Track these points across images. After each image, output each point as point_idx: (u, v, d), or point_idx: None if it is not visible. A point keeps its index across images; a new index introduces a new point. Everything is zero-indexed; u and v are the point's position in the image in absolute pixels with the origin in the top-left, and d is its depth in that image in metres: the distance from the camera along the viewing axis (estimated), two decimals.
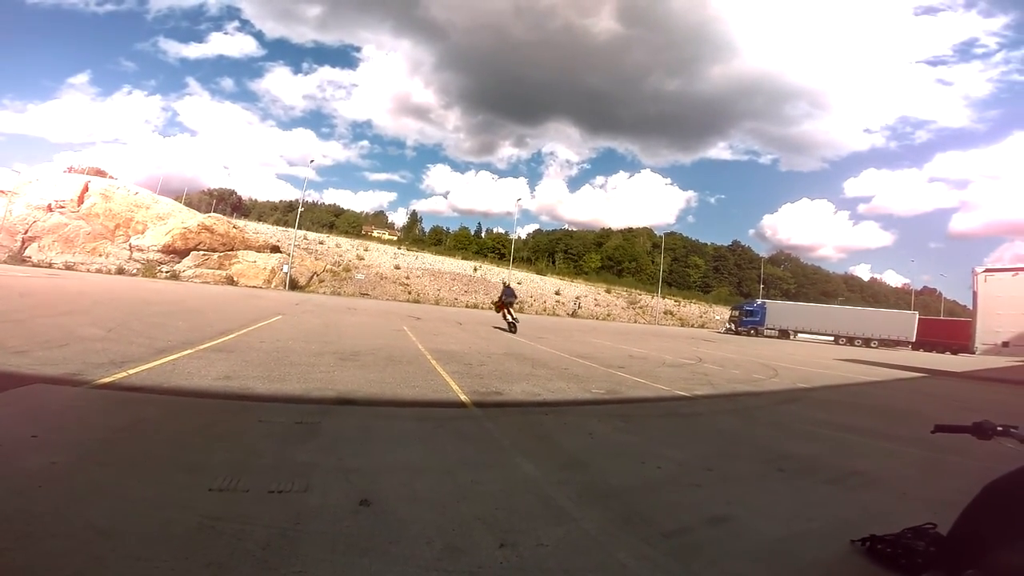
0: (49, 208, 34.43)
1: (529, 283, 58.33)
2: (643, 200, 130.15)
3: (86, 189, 36.58)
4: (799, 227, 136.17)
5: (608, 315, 54.19)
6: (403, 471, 3.16)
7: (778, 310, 47.61)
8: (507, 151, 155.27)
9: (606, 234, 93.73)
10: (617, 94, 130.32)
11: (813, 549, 2.59)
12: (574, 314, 50.46)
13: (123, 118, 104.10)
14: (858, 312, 45.58)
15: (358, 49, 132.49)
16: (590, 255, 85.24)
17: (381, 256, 54.67)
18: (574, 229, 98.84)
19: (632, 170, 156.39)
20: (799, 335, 44.52)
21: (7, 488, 2.28)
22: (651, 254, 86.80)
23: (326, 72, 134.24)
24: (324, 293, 38.78)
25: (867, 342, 40.10)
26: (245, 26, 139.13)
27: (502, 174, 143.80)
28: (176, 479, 2.66)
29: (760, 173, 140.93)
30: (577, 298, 55.96)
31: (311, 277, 42.65)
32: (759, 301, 50.39)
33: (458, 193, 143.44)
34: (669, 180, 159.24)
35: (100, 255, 34.04)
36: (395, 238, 78.75)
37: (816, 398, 8.76)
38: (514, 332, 16.79)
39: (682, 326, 55.09)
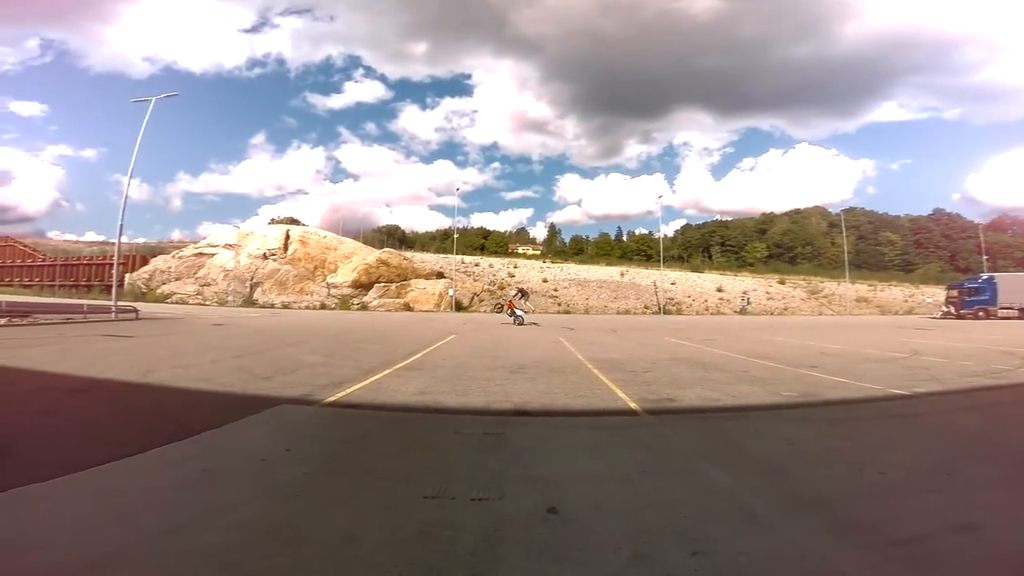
0: (264, 256, 43.04)
1: (684, 283, 54.82)
2: (806, 177, 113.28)
3: (288, 237, 44.95)
4: (1018, 184, 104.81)
5: (785, 309, 48.18)
6: (584, 480, 3.19)
7: (1015, 284, 36.93)
8: (634, 149, 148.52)
9: (768, 219, 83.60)
10: (740, 71, 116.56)
11: None
12: (743, 311, 45.88)
13: (299, 170, 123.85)
14: None
15: (468, 76, 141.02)
16: (753, 244, 76.73)
17: (529, 271, 56.58)
18: (728, 219, 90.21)
19: (784, 146, 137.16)
20: None
21: (275, 497, 2.77)
22: (828, 235, 74.97)
23: (448, 103, 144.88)
24: (484, 311, 41.45)
25: None
26: (369, 72, 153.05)
27: (634, 174, 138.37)
28: (397, 488, 2.98)
29: (948, 130, 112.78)
30: (744, 293, 50.79)
31: (472, 297, 46.03)
32: (985, 275, 39.80)
33: (591, 200, 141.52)
34: (835, 151, 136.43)
35: (306, 294, 41.30)
36: (538, 252, 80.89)
37: None
38: (520, 324, 20.15)
39: (881, 314, 46.43)
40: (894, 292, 56.03)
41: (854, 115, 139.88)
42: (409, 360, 8.99)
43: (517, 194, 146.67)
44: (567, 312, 43.17)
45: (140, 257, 49.31)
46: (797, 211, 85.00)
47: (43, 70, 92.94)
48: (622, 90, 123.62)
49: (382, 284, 42.46)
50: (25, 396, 5.29)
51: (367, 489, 2.94)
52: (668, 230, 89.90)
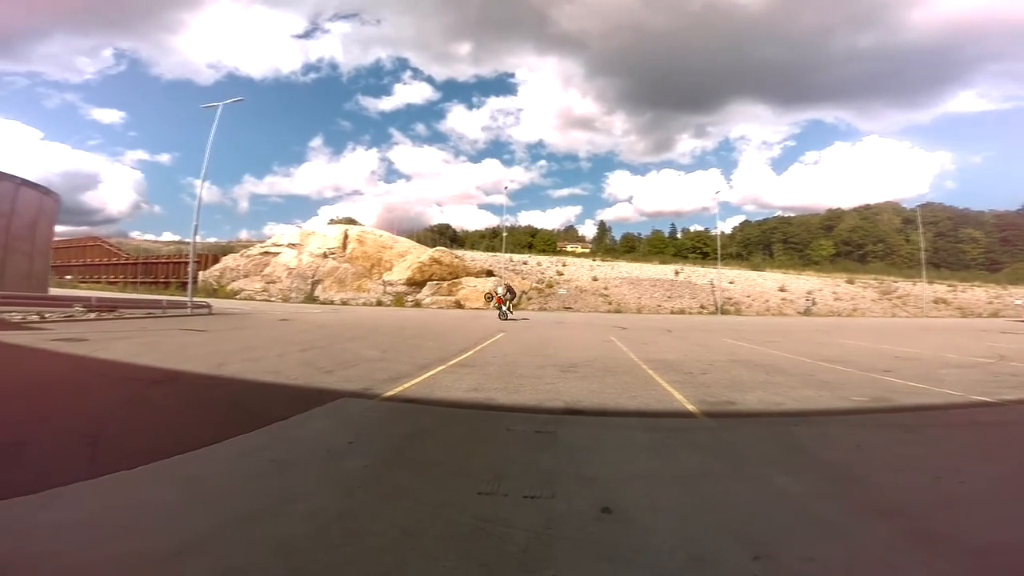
0: (324, 255, 45.09)
1: (744, 281, 52.45)
2: (876, 171, 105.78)
3: (346, 236, 46.85)
4: None
5: (854, 310, 45.15)
6: (640, 480, 3.15)
7: None
8: (687, 144, 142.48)
9: (835, 215, 78.42)
10: (799, 61, 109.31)
11: None
12: (807, 312, 43.43)
13: (354, 171, 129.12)
14: None
15: (512, 75, 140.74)
16: (818, 241, 72.25)
17: (578, 270, 56.02)
18: (791, 215, 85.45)
19: (850, 139, 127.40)
20: None
21: (340, 489, 2.87)
22: (902, 232, 69.46)
23: (493, 102, 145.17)
24: (532, 309, 41.47)
25: None
26: (417, 74, 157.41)
27: (687, 169, 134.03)
28: (453, 483, 3.01)
29: None
30: (809, 293, 48.03)
31: (520, 295, 46.17)
32: None
33: (642, 196, 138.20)
34: (909, 143, 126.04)
35: (363, 291, 42.87)
36: (587, 250, 79.86)
37: None
38: (504, 319, 21.56)
39: (962, 317, 42.66)
40: (977, 293, 51.24)
41: (928, 106, 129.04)
42: (461, 357, 9.13)
43: (565, 192, 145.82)
44: (618, 311, 42.45)
45: (212, 256, 52.87)
46: (867, 207, 79.36)
47: (119, 79, 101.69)
48: (672, 84, 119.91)
49: (434, 282, 43.41)
50: (114, 386, 5.79)
51: (423, 483, 2.99)
52: (726, 227, 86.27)
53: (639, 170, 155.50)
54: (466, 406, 5.32)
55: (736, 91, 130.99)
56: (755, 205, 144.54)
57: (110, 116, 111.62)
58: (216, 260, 51.31)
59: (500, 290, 25.73)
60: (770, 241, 77.54)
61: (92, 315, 15.75)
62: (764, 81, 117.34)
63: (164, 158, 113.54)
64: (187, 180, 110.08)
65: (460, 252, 56.47)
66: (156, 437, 3.79)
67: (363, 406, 5.11)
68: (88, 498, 2.50)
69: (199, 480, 2.85)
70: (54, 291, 23.08)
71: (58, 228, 24.17)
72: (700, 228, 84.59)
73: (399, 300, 41.27)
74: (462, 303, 42.14)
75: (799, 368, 8.74)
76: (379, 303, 40.62)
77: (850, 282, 53.25)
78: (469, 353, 9.81)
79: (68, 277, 52.63)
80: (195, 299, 22.28)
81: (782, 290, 49.52)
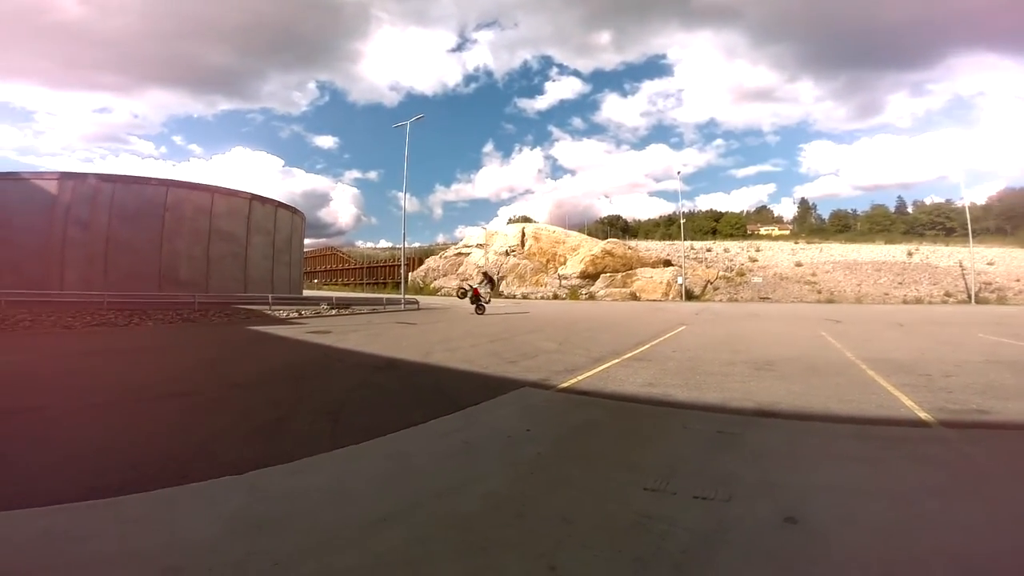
0: (506, 253, 48.48)
1: (1009, 262, 39.99)
2: None
3: (523, 234, 49.56)
4: None
5: None
6: (839, 491, 2.74)
7: None
8: (904, 106, 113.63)
9: None
10: None
11: None
12: None
13: (524, 171, 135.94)
14: None
15: (663, 56, 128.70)
16: None
17: (776, 254, 49.50)
18: None
19: None
20: None
21: (515, 473, 3.07)
22: None
23: (648, 86, 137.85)
24: (720, 301, 38.14)
25: None
26: (563, 69, 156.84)
27: (910, 132, 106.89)
28: (619, 476, 2.99)
29: None
30: None
31: (705, 286, 42.87)
32: None
33: (853, 168, 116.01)
34: None
35: (540, 285, 44.88)
36: (786, 232, 69.73)
37: None
38: (480, 313, 18.43)
39: None
40: None
41: None
42: (637, 351, 8.91)
43: (751, 170, 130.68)
44: (830, 301, 36.35)
45: (417, 259, 61.47)
46: None
47: (326, 108, 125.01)
48: (867, 40, 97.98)
49: (608, 274, 43.16)
50: (349, 371, 7.15)
51: (590, 474, 3.03)
52: (978, 196, 66.68)
53: (844, 138, 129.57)
54: (640, 401, 5.19)
55: (954, 42, 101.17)
56: (1018, 170, 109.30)
57: (327, 142, 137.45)
58: (420, 262, 59.51)
59: (476, 279, 23.36)
60: None
61: (333, 312, 19.75)
62: (993, 25, 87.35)
63: (373, 175, 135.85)
64: (392, 193, 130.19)
65: (633, 243, 54.98)
66: (378, 416, 4.55)
67: (541, 396, 5.38)
68: (328, 467, 3.13)
69: (407, 456, 3.36)
70: (307, 293, 29.68)
71: (305, 241, 30.85)
72: (938, 199, 66.74)
73: (574, 293, 42.08)
74: (638, 295, 40.97)
75: None
76: (555, 296, 42.06)
77: None
78: (646, 347, 9.51)
79: (315, 281, 67.62)
80: (407, 296, 26.17)
81: None
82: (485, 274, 23.85)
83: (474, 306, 19.41)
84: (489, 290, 20.95)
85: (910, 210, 69.90)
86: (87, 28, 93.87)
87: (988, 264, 40.24)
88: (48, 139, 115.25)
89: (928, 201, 68.45)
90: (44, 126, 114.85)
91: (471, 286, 20.75)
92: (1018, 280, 37.29)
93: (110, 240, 18.92)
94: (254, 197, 23.67)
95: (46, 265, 18.00)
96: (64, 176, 19.18)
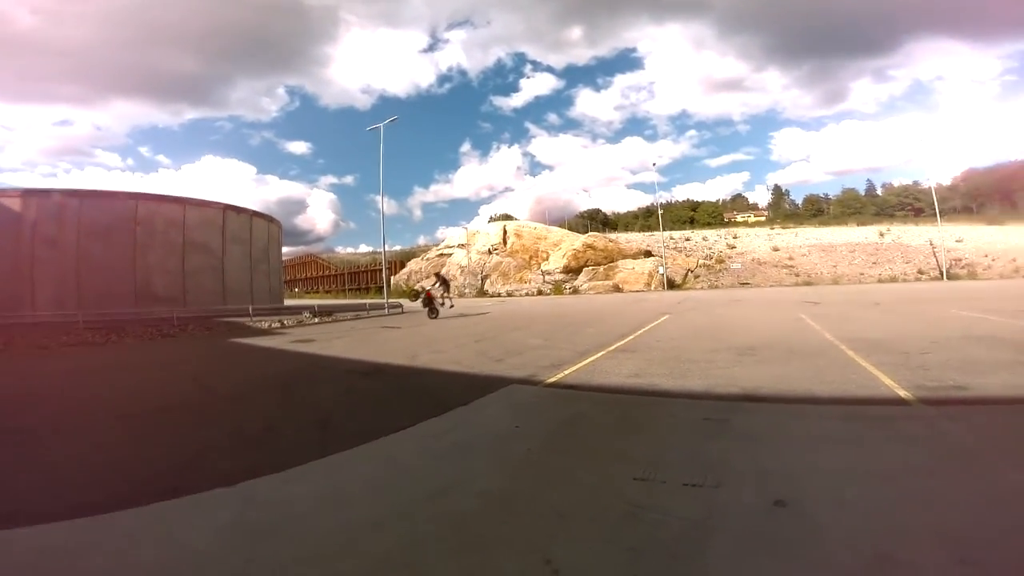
0: (489, 252, 48.50)
1: (977, 239, 41.43)
2: None
3: (505, 232, 49.64)
4: None
5: None
6: (826, 474, 2.80)
7: None
8: (868, 92, 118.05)
9: None
10: None
11: None
12: None
13: (502, 169, 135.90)
14: None
15: (633, 50, 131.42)
16: None
17: (753, 240, 50.41)
18: None
19: None
20: None
21: (504, 471, 3.10)
22: None
23: (620, 80, 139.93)
24: (701, 288, 38.71)
25: None
26: (536, 66, 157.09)
27: (875, 117, 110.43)
28: (609, 468, 3.04)
29: None
30: None
31: (685, 274, 43.48)
32: None
33: (822, 154, 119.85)
34: None
35: (524, 282, 45.00)
36: (762, 219, 70.97)
37: None
38: (434, 317, 16.72)
39: None
40: None
41: None
42: (622, 342, 9.02)
43: (725, 159, 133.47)
44: (808, 283, 37.15)
45: (399, 262, 61.12)
46: None
47: (297, 114, 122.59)
48: (829, 29, 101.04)
49: (590, 267, 43.48)
50: (336, 378, 7.11)
51: (581, 468, 3.07)
52: (942, 177, 69.01)
53: (812, 125, 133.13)
54: (627, 392, 5.26)
55: (916, 27, 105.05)
56: (977, 150, 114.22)
57: (300, 147, 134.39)
58: (402, 265, 59.17)
59: (432, 281, 22.11)
60: (1010, 189, 59.37)
61: (316, 320, 19.52)
62: (954, 12, 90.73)
63: (349, 180, 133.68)
64: (370, 197, 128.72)
65: (613, 235, 55.42)
66: (367, 422, 4.55)
67: (528, 392, 5.43)
68: (319, 474, 3.13)
69: (398, 460, 3.37)
70: (288, 302, 29.25)
71: (284, 249, 30.44)
72: (907, 181, 68.67)
73: (558, 288, 42.28)
74: (620, 287, 41.35)
75: None
76: (539, 292, 42.20)
77: None
78: (630, 338, 9.63)
79: (296, 289, 66.64)
80: (390, 300, 25.98)
81: None
82: (438, 275, 22.68)
83: (426, 309, 17.42)
84: (444, 292, 19.65)
85: (880, 192, 71.79)
86: (41, 38, 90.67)
87: (957, 241, 41.54)
88: (7, 154, 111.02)
89: (896, 183, 70.50)
90: (1, 141, 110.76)
91: (423, 288, 19.49)
92: (986, 256, 38.57)
93: (81, 258, 18.40)
94: (228, 207, 23.24)
95: (15, 286, 17.43)
96: (27, 193, 18.60)
